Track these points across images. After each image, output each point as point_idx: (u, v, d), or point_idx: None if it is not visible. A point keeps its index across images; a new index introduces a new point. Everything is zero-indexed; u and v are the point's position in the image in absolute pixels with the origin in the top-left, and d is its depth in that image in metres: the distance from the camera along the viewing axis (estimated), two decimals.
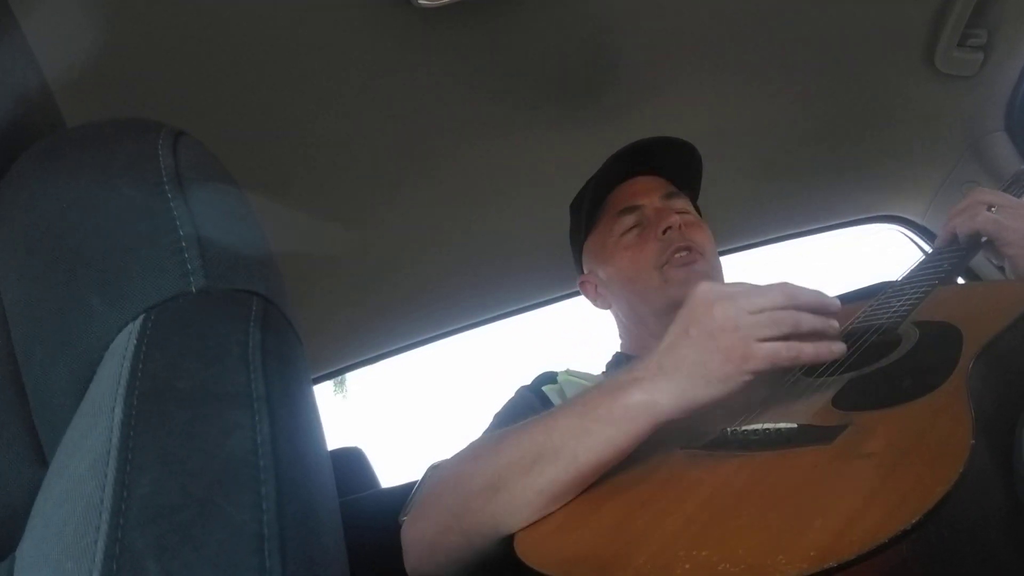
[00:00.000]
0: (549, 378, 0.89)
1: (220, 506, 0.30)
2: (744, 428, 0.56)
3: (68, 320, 0.36)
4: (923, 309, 0.70)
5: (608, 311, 1.04)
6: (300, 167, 1.10)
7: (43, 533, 0.33)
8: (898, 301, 0.72)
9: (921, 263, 0.81)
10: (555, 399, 0.85)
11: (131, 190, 0.38)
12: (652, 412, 0.57)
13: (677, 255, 0.89)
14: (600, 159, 0.98)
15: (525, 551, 0.55)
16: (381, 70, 0.97)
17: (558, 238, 1.20)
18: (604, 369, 0.97)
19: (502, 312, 1.61)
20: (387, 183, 1.19)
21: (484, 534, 0.60)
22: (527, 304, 1.61)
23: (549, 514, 0.59)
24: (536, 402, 0.85)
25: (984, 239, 0.78)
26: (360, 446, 1.52)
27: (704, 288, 0.60)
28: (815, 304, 0.59)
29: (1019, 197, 0.86)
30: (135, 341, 0.35)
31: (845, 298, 1.23)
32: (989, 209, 0.78)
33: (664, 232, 0.90)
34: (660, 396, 0.57)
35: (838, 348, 0.58)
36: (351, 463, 1.47)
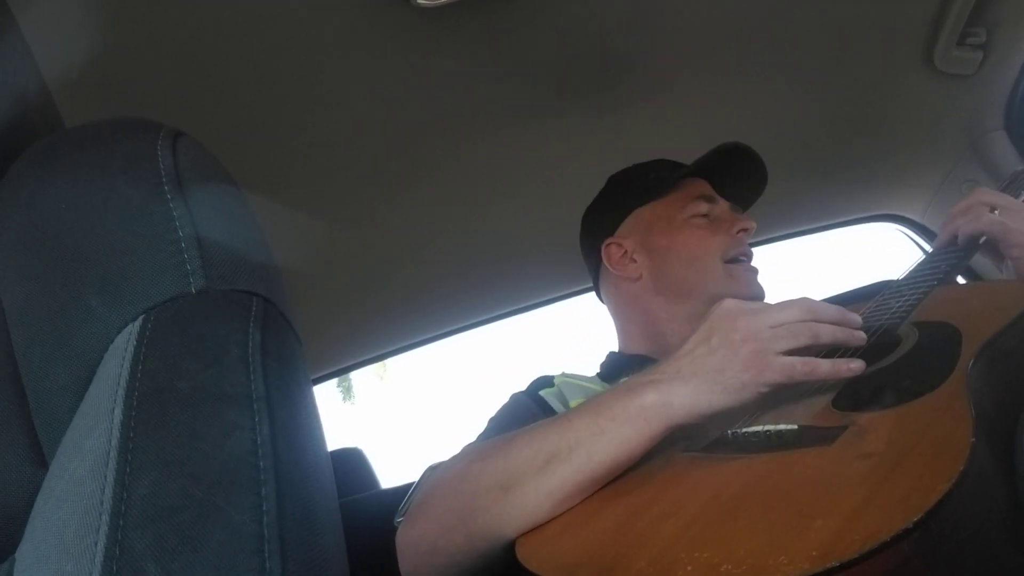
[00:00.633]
0: (546, 382, 0.89)
1: (220, 507, 0.30)
2: (745, 430, 0.56)
3: (67, 321, 0.36)
4: (922, 309, 0.70)
5: (608, 299, 1.04)
6: (299, 167, 1.10)
7: (43, 534, 0.33)
8: (897, 302, 0.72)
9: (920, 263, 0.81)
10: (554, 402, 0.85)
11: (130, 190, 0.38)
12: (667, 414, 0.57)
13: (744, 258, 0.94)
14: (600, 159, 0.98)
15: (526, 555, 0.55)
16: (381, 70, 0.97)
17: (558, 238, 1.20)
18: (599, 369, 0.97)
19: (502, 312, 1.61)
20: (386, 183, 1.19)
21: (489, 537, 0.59)
22: (527, 304, 1.61)
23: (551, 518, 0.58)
24: (534, 407, 0.84)
25: (983, 240, 0.78)
26: (360, 446, 1.52)
27: (729, 302, 0.62)
28: (835, 318, 0.60)
29: (1017, 198, 0.86)
30: (135, 342, 0.35)
31: (845, 298, 1.25)
32: (992, 211, 0.77)
33: (738, 232, 0.94)
34: (675, 399, 0.57)
35: (856, 366, 0.57)
36: (351, 464, 1.47)
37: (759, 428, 0.55)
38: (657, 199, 0.99)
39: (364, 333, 1.55)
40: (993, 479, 0.44)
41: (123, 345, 0.35)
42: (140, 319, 0.35)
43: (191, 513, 0.29)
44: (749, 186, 1.05)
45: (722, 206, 0.98)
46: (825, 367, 0.57)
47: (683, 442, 0.60)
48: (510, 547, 0.58)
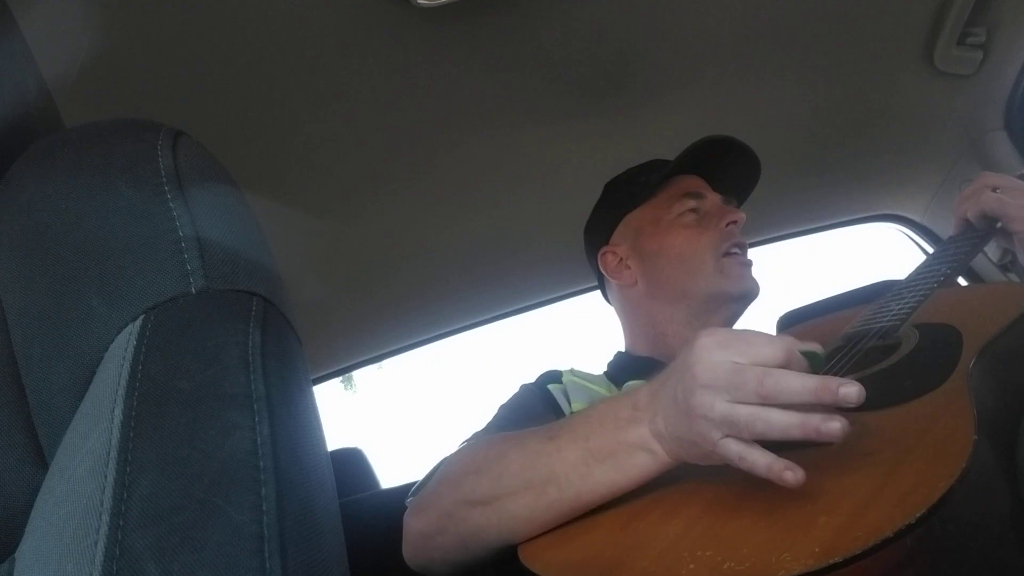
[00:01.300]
0: (554, 377, 0.89)
1: (220, 507, 0.30)
2: None
3: (67, 321, 0.36)
4: (923, 311, 0.70)
5: (613, 304, 1.04)
6: (300, 167, 1.10)
7: (43, 534, 0.33)
8: (897, 304, 0.72)
9: (928, 259, 0.82)
10: (560, 399, 0.85)
11: (130, 190, 0.38)
12: (653, 460, 0.55)
13: (735, 251, 0.92)
14: (600, 159, 0.97)
15: (529, 557, 0.55)
16: (380, 69, 0.97)
17: (559, 237, 1.20)
18: (606, 368, 0.97)
19: (503, 312, 1.61)
20: (387, 183, 1.19)
21: (480, 544, 0.61)
22: (528, 303, 1.61)
23: None
24: (542, 400, 0.85)
25: (998, 224, 0.78)
26: (360, 446, 1.52)
27: (704, 341, 0.51)
28: (807, 388, 0.46)
29: None
30: (135, 342, 0.35)
31: (845, 298, 1.24)
32: (994, 191, 0.78)
33: (727, 225, 0.93)
34: (657, 447, 0.54)
35: (798, 475, 0.44)
36: (351, 463, 1.47)
37: None
38: (645, 202, 0.99)
39: (364, 333, 1.55)
40: (994, 476, 0.44)
41: (123, 345, 0.35)
42: (140, 319, 0.35)
43: (191, 513, 0.29)
44: (739, 176, 1.03)
45: (712, 200, 0.97)
46: (761, 464, 0.45)
47: None
48: (506, 548, 0.59)
